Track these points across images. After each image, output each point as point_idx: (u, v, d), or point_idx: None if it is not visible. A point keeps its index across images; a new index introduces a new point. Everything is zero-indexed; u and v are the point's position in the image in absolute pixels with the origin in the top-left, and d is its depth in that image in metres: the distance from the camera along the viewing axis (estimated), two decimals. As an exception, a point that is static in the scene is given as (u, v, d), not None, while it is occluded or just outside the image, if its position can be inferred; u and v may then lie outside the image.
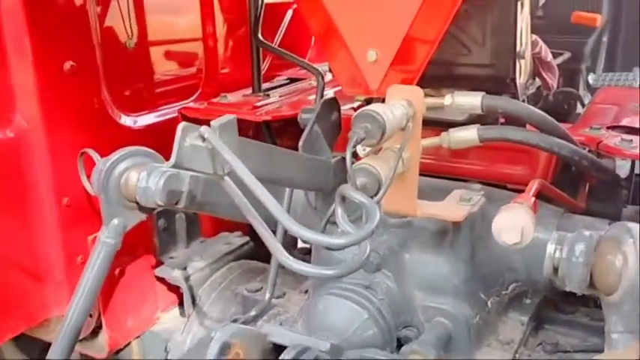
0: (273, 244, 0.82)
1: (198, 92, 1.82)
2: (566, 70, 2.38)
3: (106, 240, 1.22)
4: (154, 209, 1.23)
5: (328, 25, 1.14)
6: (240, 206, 0.91)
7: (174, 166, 0.90)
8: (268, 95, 1.80)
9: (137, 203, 1.21)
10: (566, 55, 2.14)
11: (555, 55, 1.82)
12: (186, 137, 0.88)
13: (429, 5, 1.05)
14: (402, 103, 1.02)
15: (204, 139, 0.87)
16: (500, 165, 1.35)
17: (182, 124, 0.87)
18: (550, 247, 0.86)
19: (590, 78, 2.37)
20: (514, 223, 0.96)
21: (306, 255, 1.80)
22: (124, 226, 1.22)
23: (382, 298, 1.14)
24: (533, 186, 1.13)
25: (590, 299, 1.48)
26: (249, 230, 1.90)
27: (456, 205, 1.17)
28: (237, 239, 1.82)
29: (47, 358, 1.26)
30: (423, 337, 1.13)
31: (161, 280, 1.71)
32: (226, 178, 0.93)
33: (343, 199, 0.81)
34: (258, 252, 1.83)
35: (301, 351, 0.87)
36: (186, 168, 0.91)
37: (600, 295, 0.84)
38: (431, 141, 1.16)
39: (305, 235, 0.76)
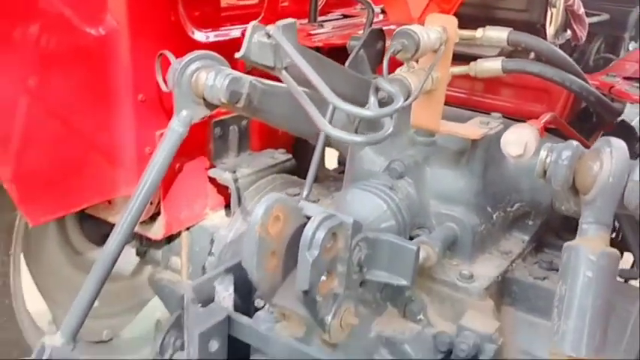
0: (318, 118, 1.03)
1: (260, 17, 2.01)
2: (609, 37, 2.48)
3: (175, 128, 1.45)
4: (217, 106, 1.45)
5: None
6: (296, 95, 1.10)
7: (242, 57, 1.10)
8: (322, 26, 1.98)
9: (204, 99, 1.44)
10: (604, 16, 2.23)
11: (591, 15, 1.93)
12: (254, 34, 1.08)
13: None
14: (437, 29, 1.19)
15: (269, 37, 1.07)
16: (522, 102, 1.51)
17: (252, 23, 1.07)
18: (542, 154, 1.03)
19: (631, 46, 2.46)
20: (519, 138, 1.14)
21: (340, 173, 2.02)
22: (191, 117, 1.45)
23: (402, 199, 1.34)
24: (546, 117, 1.29)
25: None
26: (292, 149, 2.12)
27: (475, 126, 1.35)
28: (281, 155, 2.04)
29: (113, 232, 1.52)
30: (432, 235, 1.34)
31: (212, 181, 1.95)
32: (284, 71, 1.13)
33: (377, 89, 1.00)
34: (299, 169, 2.05)
35: (327, 217, 1.08)
36: (251, 60, 1.11)
37: (580, 197, 1.02)
38: (460, 69, 1.34)
39: (346, 107, 0.95)
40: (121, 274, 2.48)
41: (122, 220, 1.47)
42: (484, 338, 1.23)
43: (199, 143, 1.88)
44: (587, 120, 1.55)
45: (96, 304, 2.35)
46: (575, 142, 1.01)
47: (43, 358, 1.38)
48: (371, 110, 0.94)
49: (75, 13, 1.51)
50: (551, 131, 1.41)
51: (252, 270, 1.12)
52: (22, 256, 1.92)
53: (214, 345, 1.25)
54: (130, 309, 2.48)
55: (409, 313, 1.36)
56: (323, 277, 1.11)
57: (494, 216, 1.40)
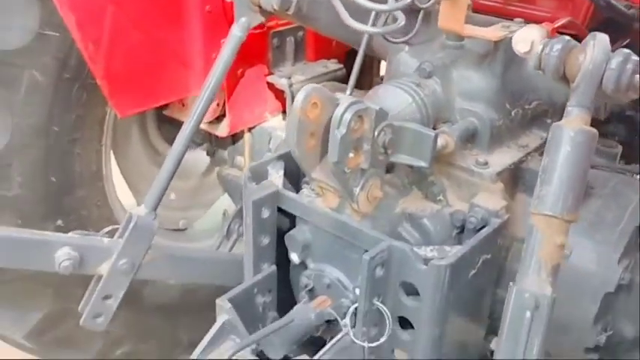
0: (343, 12, 1.22)
1: None
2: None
3: (235, 33, 1.68)
4: (271, 13, 1.67)
5: None
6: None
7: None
8: None
9: (259, 7, 1.66)
10: None
11: None
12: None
13: None
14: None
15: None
16: (547, 10, 1.63)
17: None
18: (540, 47, 1.19)
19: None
20: (527, 37, 1.29)
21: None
22: (248, 24, 1.68)
23: (427, 95, 1.53)
24: (562, 21, 1.43)
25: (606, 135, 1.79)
26: (344, 60, 2.32)
27: (497, 30, 1.50)
28: (333, 65, 2.25)
29: (184, 124, 1.79)
30: (452, 126, 1.53)
31: (271, 88, 2.20)
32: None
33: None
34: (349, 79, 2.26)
35: (355, 102, 1.30)
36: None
37: (570, 85, 1.18)
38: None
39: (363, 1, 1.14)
40: (195, 173, 2.82)
41: (191, 114, 1.74)
42: (491, 213, 1.44)
43: (259, 53, 2.11)
44: (610, 29, 1.64)
45: (174, 197, 2.72)
46: (566, 37, 1.16)
47: (131, 224, 1.71)
48: (388, 5, 1.13)
49: None
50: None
51: (294, 147, 1.36)
52: (111, 150, 2.26)
53: (265, 212, 1.52)
54: (202, 204, 2.83)
55: (430, 194, 1.58)
56: (351, 154, 1.35)
57: (513, 112, 1.57)
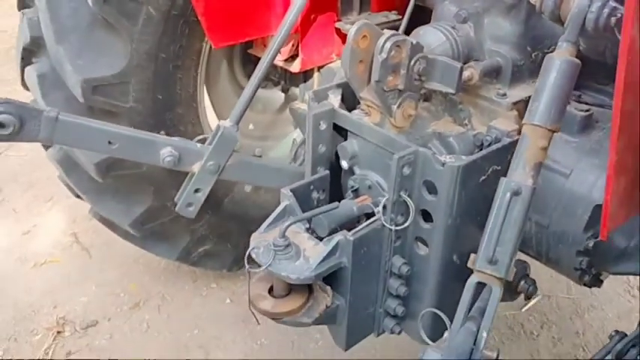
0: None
1: None
2: None
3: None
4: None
5: None
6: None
7: None
8: None
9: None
10: None
11: None
12: None
13: None
14: None
15: None
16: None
17: None
18: (540, -7, 1.51)
19: None
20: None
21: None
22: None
23: (461, 36, 1.87)
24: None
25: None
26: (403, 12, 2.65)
27: (522, -17, 1.81)
28: (392, 16, 2.59)
29: (261, 59, 2.20)
30: (479, 62, 1.86)
31: (338, 33, 2.57)
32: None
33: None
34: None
35: (395, 34, 1.66)
36: None
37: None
38: None
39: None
40: (271, 109, 3.26)
41: (269, 48, 2.15)
42: (503, 133, 1.77)
43: (331, 2, 2.49)
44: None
45: (252, 127, 3.18)
46: (565, -14, 1.47)
47: (218, 133, 2.15)
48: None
49: None
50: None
51: (347, 70, 1.75)
52: (204, 80, 2.72)
53: (323, 125, 1.92)
54: (276, 136, 3.27)
55: (458, 119, 1.93)
56: (390, 77, 1.72)
57: (533, 55, 1.88)
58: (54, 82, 2.31)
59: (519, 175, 1.46)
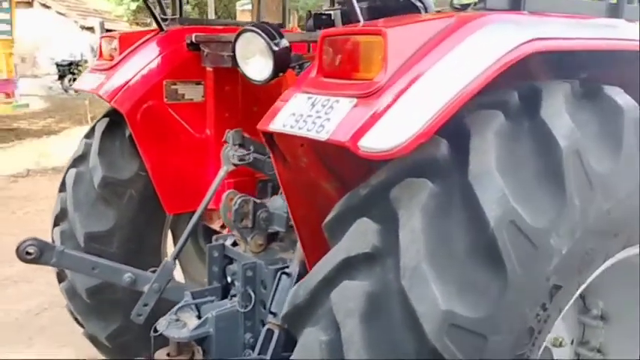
0: None
1: None
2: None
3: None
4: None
5: None
6: None
7: None
8: None
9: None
10: None
11: None
12: None
13: None
14: None
15: None
16: None
17: None
18: None
19: None
20: None
21: None
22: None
23: None
24: None
25: None
26: None
27: None
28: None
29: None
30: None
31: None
32: None
33: None
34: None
35: (241, 198, 2.97)
36: None
37: None
38: None
39: None
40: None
41: (197, 213, 3.51)
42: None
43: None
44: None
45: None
46: None
47: (161, 266, 3.42)
48: None
49: None
50: None
51: (225, 216, 3.05)
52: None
53: (215, 253, 3.16)
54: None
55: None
56: (243, 220, 3.00)
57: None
58: (69, 236, 3.69)
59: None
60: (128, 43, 3.53)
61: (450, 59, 1.72)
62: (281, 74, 2.20)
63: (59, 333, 4.86)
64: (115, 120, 3.67)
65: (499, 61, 1.70)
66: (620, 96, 2.00)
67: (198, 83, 3.60)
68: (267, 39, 2.08)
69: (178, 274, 4.01)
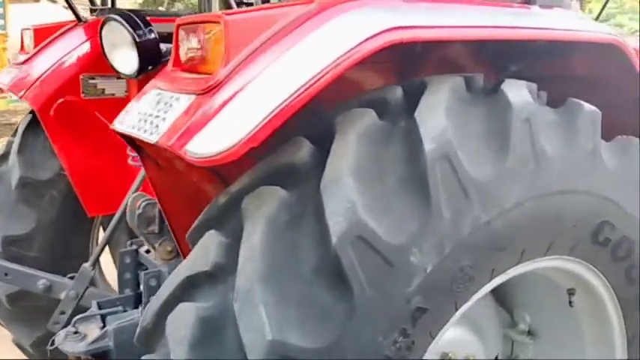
0: None
1: None
2: None
3: (139, 173, 3.27)
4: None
5: None
6: None
7: None
8: None
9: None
10: None
11: None
12: None
13: None
14: None
15: None
16: None
17: None
18: None
19: None
20: None
21: None
22: (145, 169, 3.27)
23: None
24: None
25: None
26: None
27: None
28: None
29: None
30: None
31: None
32: None
33: None
34: None
35: (147, 199, 2.77)
36: None
37: None
38: None
39: None
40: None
41: (115, 217, 3.31)
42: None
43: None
44: None
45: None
46: None
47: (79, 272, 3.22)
48: None
49: None
50: None
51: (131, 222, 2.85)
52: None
53: (128, 259, 2.97)
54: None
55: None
56: (149, 226, 2.80)
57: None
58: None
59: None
60: (44, 35, 3.33)
61: (297, 51, 1.50)
62: (150, 68, 1.99)
63: None
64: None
65: (351, 52, 1.48)
66: (516, 91, 1.76)
67: (120, 78, 3.40)
68: (130, 29, 1.87)
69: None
